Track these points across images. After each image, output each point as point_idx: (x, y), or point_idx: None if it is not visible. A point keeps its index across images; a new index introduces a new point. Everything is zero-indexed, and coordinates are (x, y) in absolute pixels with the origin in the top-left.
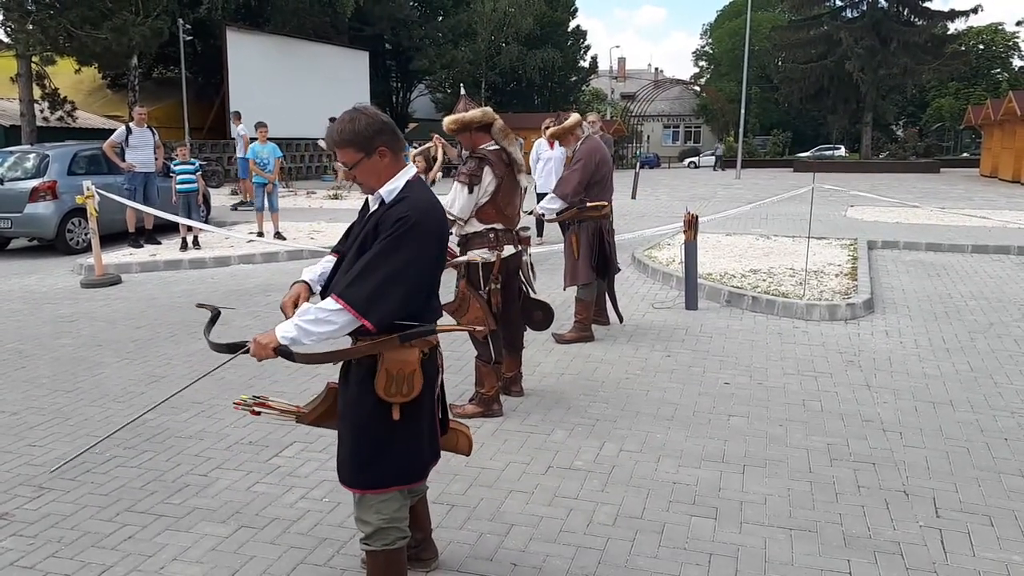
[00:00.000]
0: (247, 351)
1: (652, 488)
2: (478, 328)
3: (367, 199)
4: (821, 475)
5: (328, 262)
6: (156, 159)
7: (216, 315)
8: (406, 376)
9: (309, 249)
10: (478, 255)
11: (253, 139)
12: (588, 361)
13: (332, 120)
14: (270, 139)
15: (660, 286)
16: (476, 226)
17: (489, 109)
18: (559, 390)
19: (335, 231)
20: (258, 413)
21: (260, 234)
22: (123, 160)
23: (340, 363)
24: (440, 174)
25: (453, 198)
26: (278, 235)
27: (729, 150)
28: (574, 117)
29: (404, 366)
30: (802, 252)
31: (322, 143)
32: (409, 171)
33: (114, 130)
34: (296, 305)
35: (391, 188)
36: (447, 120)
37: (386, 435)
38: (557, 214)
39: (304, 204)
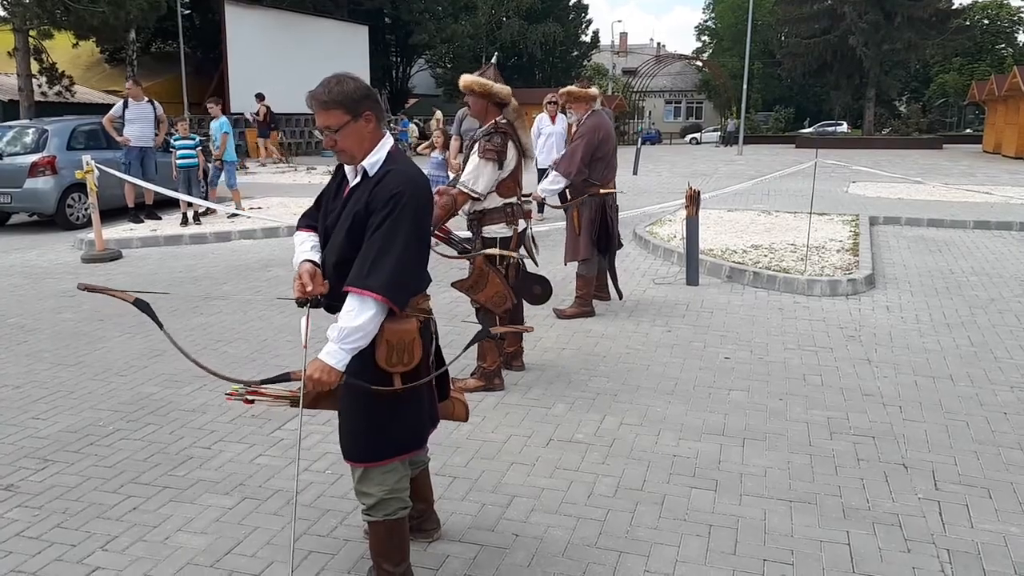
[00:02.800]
0: (286, 379)
1: (652, 460)
2: (528, 327)
3: (339, 168)
4: (821, 448)
5: (309, 239)
6: (157, 133)
7: (147, 310)
8: (406, 345)
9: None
10: (496, 231)
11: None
12: (589, 336)
13: (259, 96)
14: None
15: (661, 262)
16: (495, 201)
17: (509, 89)
18: (560, 364)
19: None
20: (251, 402)
21: (210, 211)
22: (121, 134)
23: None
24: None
25: (477, 175)
26: (234, 215)
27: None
28: (595, 90)
29: (404, 335)
30: (804, 228)
31: (248, 115)
32: (388, 141)
33: (112, 105)
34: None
35: (374, 160)
36: (473, 78)
37: (388, 406)
38: (562, 199)
39: (304, 180)
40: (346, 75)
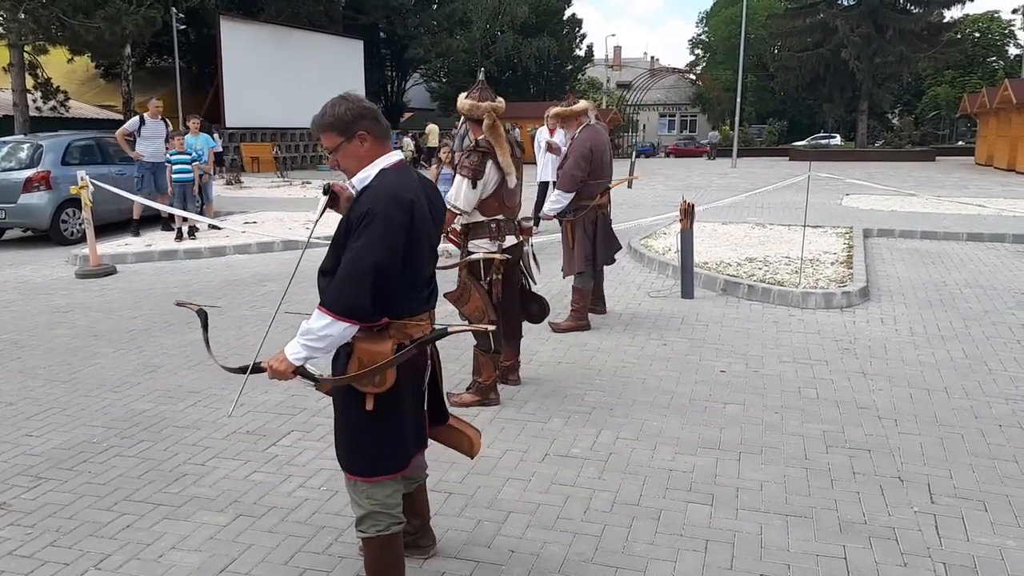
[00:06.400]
0: (262, 371)
1: (648, 475)
2: (489, 326)
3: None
4: (817, 462)
5: None
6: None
7: (204, 318)
8: (377, 367)
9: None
10: (479, 246)
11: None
12: (584, 350)
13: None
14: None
15: (656, 275)
16: (478, 216)
17: (483, 105)
18: (556, 378)
19: (332, 220)
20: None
21: (195, 228)
22: (134, 149)
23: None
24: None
25: (457, 191)
26: (213, 226)
27: (725, 139)
28: (582, 104)
29: (375, 356)
30: (798, 240)
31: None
32: (389, 158)
33: (112, 120)
34: None
35: (363, 176)
36: (459, 101)
37: (364, 424)
38: (563, 215)
39: (299, 194)
40: (344, 97)
